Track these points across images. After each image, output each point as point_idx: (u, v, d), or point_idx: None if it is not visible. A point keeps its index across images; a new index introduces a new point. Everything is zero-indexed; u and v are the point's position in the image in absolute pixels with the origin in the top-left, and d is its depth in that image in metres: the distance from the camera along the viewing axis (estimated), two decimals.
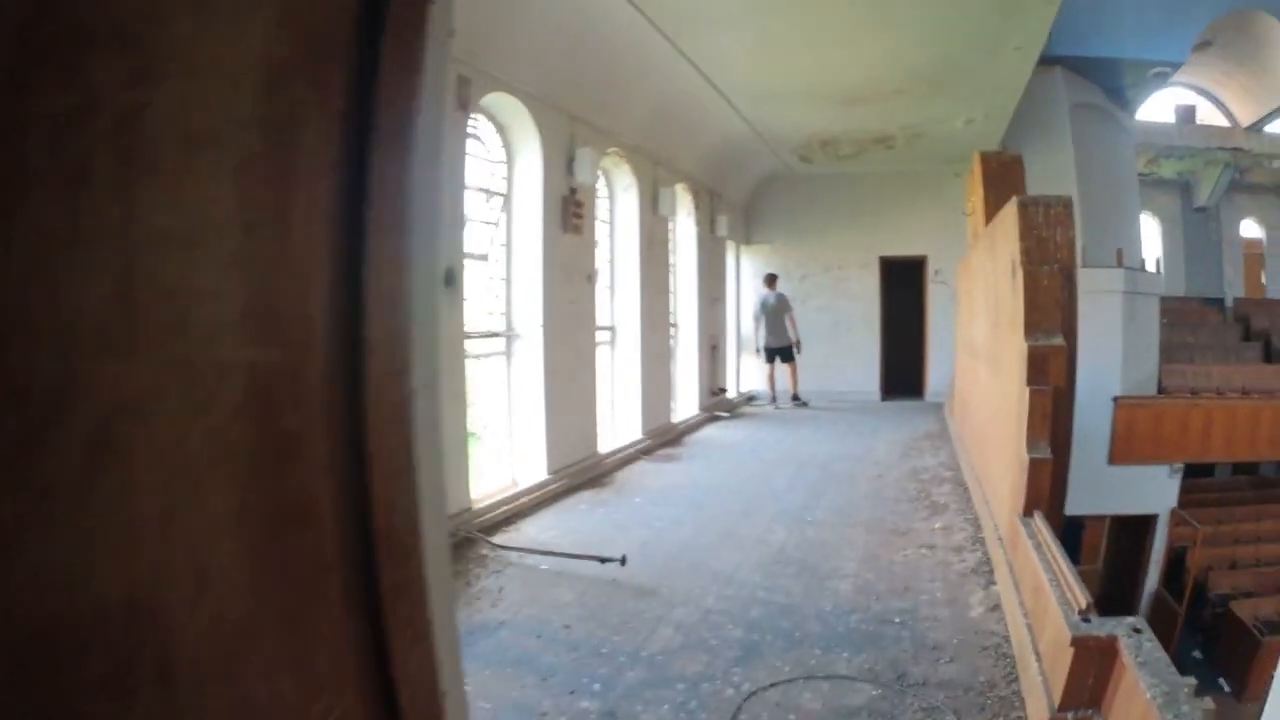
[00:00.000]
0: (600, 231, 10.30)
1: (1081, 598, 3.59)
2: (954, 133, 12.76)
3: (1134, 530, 14.20)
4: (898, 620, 4.96)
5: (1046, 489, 5.14)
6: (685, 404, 13.11)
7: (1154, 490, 13.77)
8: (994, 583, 5.59)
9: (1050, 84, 13.87)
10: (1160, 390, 14.57)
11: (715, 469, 9.73)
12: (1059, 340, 5.22)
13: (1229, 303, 20.94)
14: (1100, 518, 13.54)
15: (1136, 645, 3.17)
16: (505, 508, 7.17)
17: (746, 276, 16.17)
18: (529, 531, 6.84)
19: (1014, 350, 5.64)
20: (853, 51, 9.39)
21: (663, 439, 11.23)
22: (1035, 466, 5.05)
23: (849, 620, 4.96)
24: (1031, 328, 5.25)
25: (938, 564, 6.11)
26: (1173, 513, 14.05)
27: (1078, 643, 3.28)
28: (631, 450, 10.17)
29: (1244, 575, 15.36)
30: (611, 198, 10.87)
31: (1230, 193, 21.11)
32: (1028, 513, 5.11)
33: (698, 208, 13.35)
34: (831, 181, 15.75)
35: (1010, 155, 8.46)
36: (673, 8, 7.80)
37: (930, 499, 8.12)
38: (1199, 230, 21.49)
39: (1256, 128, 19.14)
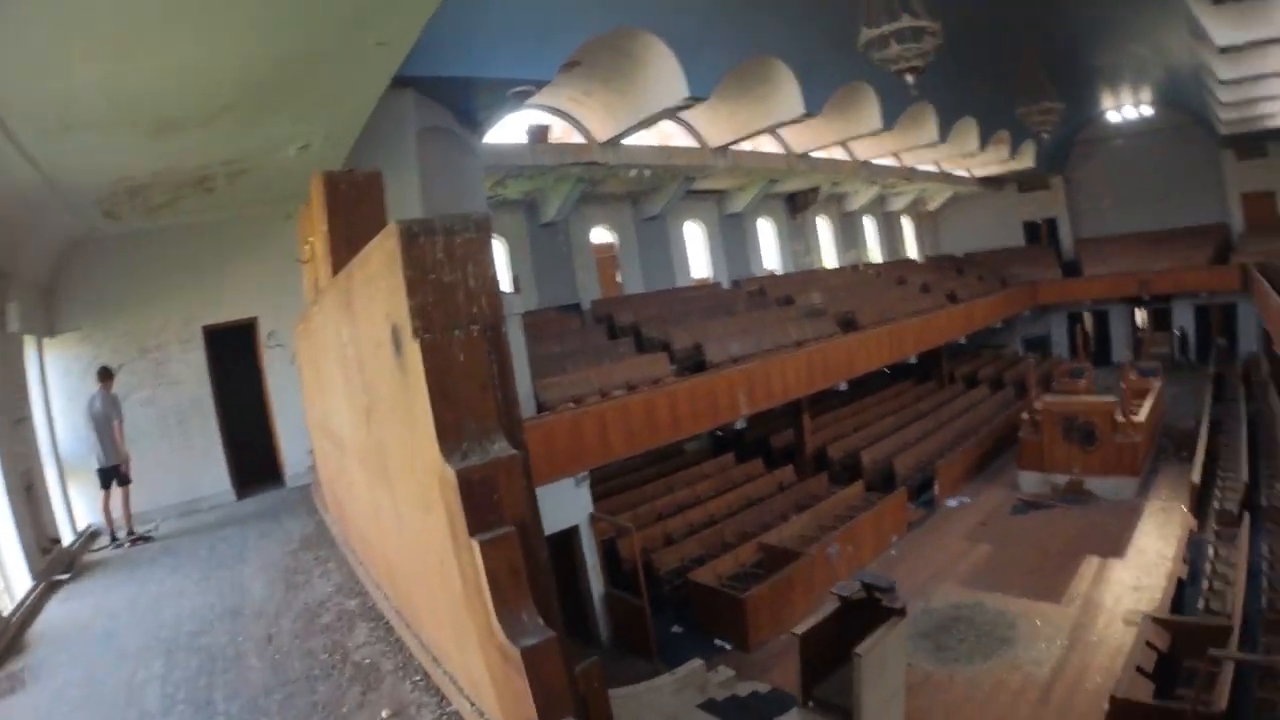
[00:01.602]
0: None
1: None
2: (285, 165, 11.83)
3: (558, 548, 15.44)
4: None
5: (562, 680, 3.68)
6: (15, 578, 10.50)
7: (566, 504, 15.30)
8: None
9: (399, 107, 14.20)
10: (541, 408, 16.03)
11: (69, 693, 7.19)
12: (503, 448, 3.87)
13: (586, 306, 24.47)
14: None
15: None
16: None
17: (56, 377, 13.69)
18: None
19: (422, 467, 4.18)
20: (168, 52, 7.54)
21: None
22: (534, 657, 3.56)
23: None
24: (451, 434, 3.83)
25: None
26: (591, 517, 15.87)
27: None
28: None
29: (686, 546, 18.20)
30: None
31: (580, 205, 24.24)
32: None
33: None
34: (144, 241, 13.93)
35: (366, 173, 7.08)
36: None
37: (352, 661, 6.64)
38: (548, 244, 24.38)
39: (614, 141, 21.68)
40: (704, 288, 29.63)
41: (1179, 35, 24.79)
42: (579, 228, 25.34)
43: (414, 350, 3.83)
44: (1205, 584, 14.05)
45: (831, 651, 11.25)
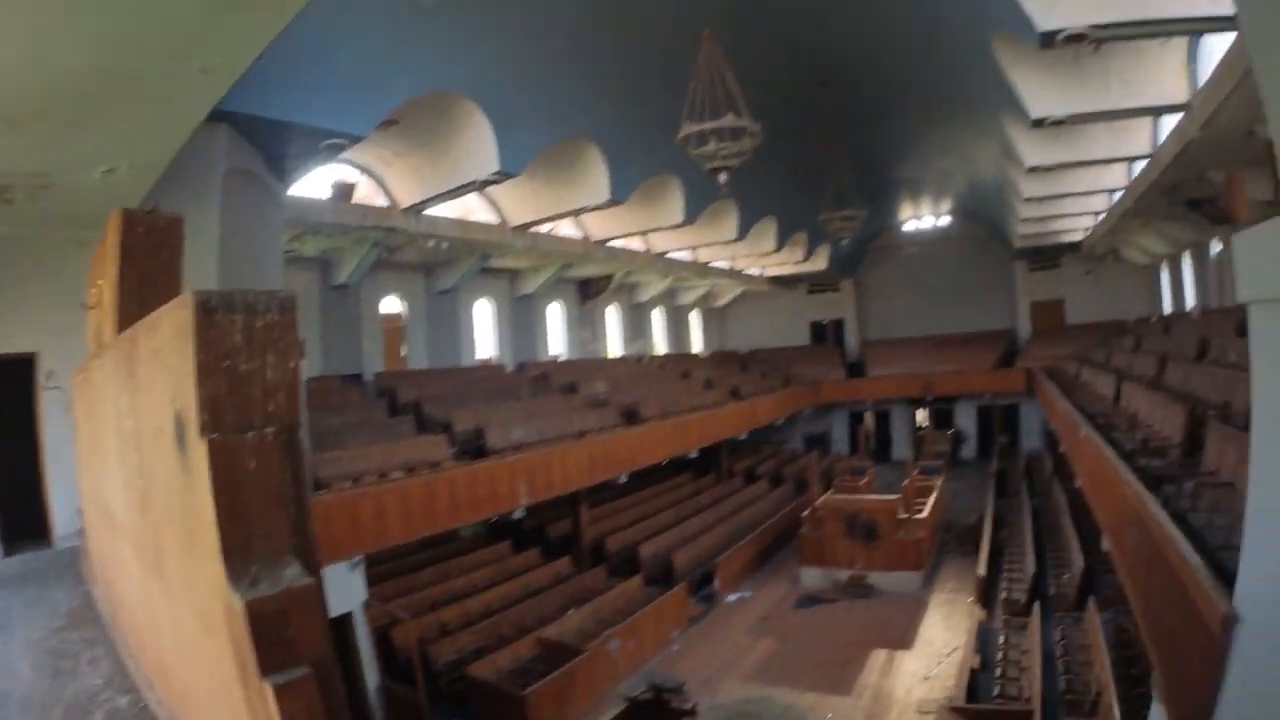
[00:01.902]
0: None
1: None
2: (88, 186, 11.21)
3: (332, 635, 14.92)
4: None
5: None
6: None
7: (339, 589, 14.40)
8: None
9: (210, 143, 13.38)
10: (318, 485, 15.39)
11: None
12: (297, 574, 3.30)
13: (368, 377, 23.82)
14: None
15: None
16: None
17: None
18: None
19: (203, 584, 3.51)
20: None
21: None
22: None
23: None
24: (238, 556, 3.23)
25: None
26: (365, 604, 15.18)
27: None
28: None
29: (464, 637, 17.70)
30: None
31: (373, 270, 23.63)
32: None
33: None
34: None
35: (168, 217, 6.46)
36: None
37: None
38: (338, 307, 23.64)
39: (418, 209, 21.37)
40: (489, 369, 29.62)
41: (989, 153, 26.84)
42: (370, 294, 24.83)
43: (200, 451, 3.24)
44: (999, 671, 14.93)
45: None
